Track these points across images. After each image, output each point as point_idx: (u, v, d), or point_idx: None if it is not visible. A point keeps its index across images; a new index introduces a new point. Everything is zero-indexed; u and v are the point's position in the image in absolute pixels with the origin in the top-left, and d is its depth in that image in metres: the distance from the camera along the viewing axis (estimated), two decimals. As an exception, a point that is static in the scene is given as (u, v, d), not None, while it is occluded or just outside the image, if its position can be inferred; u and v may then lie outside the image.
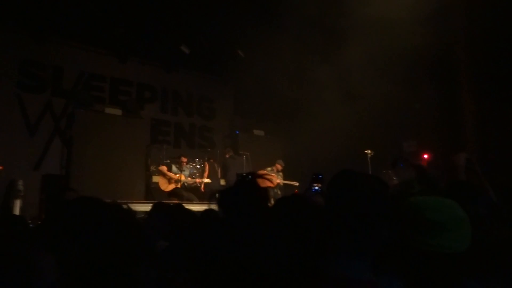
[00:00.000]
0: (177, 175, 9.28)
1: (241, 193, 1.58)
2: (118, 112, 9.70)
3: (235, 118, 12.58)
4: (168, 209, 3.23)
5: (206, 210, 4.18)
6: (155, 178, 9.70)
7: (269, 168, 10.58)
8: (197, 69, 11.70)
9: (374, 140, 8.86)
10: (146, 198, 9.18)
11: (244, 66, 10.15)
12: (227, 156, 10.14)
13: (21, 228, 2.00)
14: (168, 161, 10.13)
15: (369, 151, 8.14)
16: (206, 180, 9.64)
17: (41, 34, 9.24)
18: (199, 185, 9.64)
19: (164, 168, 9.42)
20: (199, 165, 10.22)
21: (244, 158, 10.69)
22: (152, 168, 10.04)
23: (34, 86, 9.54)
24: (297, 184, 10.35)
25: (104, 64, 10.46)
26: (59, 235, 1.16)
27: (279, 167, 10.50)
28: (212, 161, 10.18)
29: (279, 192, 10.24)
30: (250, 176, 1.68)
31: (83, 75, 10.23)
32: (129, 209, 1.33)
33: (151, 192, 9.60)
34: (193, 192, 9.58)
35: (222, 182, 10.28)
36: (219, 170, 10.23)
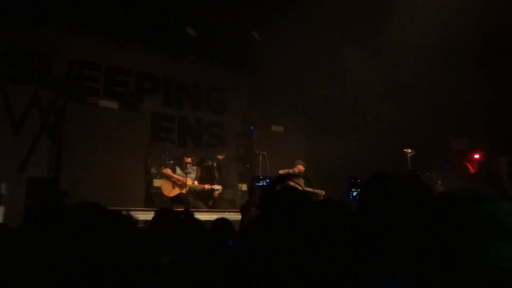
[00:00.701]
0: (183, 178, 9.33)
1: (285, 197, 1.61)
2: (114, 105, 9.74)
3: (249, 112, 12.66)
4: (174, 218, 3.28)
5: (217, 220, 4.22)
6: (157, 182, 9.78)
7: (290, 170, 10.54)
8: (206, 56, 11.73)
9: (416, 137, 8.76)
10: (147, 205, 9.23)
11: (260, 52, 10.17)
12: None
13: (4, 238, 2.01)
14: (172, 162, 10.19)
15: (409, 150, 8.08)
16: (217, 187, 9.66)
17: (27, 17, 9.30)
18: (208, 191, 9.70)
19: (167, 170, 9.49)
20: (206, 167, 10.33)
21: (260, 158, 10.79)
22: (153, 170, 10.10)
23: (19, 76, 9.63)
24: (322, 193, 10.29)
25: (98, 50, 10.51)
26: (59, 246, 1.18)
27: (300, 168, 10.51)
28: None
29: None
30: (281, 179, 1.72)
31: (74, 64, 10.29)
32: (132, 218, 1.36)
33: (152, 198, 9.66)
34: (202, 199, 9.62)
35: (244, 187, 10.41)
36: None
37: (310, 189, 10.21)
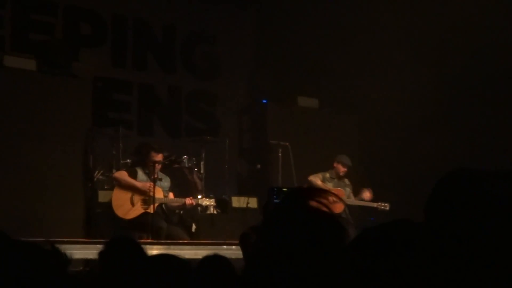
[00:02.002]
0: (148, 187, 9.37)
1: (291, 231, 1.80)
2: (29, 64, 9.88)
3: (259, 75, 12.70)
4: (135, 256, 3.45)
5: (208, 259, 4.22)
6: (105, 194, 9.90)
7: (327, 175, 10.73)
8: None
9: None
10: (88, 234, 9.36)
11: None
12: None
13: None
14: (129, 160, 10.24)
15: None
16: (207, 201, 9.80)
17: None
18: (190, 209, 9.84)
19: (122, 175, 9.54)
20: (189, 168, 10.43)
21: (280, 154, 10.89)
22: (98, 174, 10.18)
23: None
24: (386, 207, 10.49)
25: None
26: None
27: (341, 169, 10.72)
28: (178, 166, 10.43)
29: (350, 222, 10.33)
30: (297, 195, 1.91)
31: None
32: (62, 255, 1.46)
33: (97, 221, 9.77)
34: (180, 224, 9.75)
35: (242, 201, 10.49)
36: (197, 182, 10.46)
37: (366, 203, 10.67)
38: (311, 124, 11.92)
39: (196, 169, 10.66)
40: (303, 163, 10.87)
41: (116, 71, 11.80)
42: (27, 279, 1.41)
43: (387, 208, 10.59)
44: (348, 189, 10.79)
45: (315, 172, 10.68)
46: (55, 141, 9.60)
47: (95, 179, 10.13)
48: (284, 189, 3.89)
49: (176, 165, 10.47)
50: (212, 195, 10.14)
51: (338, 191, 10.30)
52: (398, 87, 11.13)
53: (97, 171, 10.22)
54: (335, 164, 10.67)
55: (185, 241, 9.13)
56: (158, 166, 9.48)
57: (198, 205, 9.82)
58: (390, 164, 11.65)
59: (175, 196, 9.70)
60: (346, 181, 10.81)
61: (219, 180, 11.26)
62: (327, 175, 10.66)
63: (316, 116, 12.14)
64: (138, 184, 9.36)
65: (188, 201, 9.47)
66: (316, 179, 10.48)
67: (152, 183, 9.28)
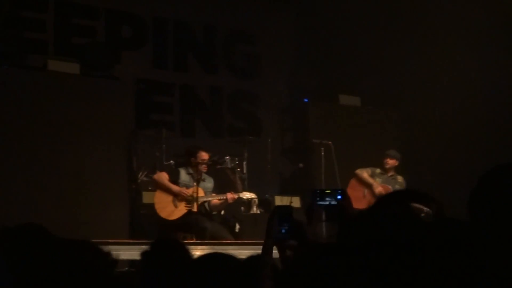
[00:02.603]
0: (191, 188, 9.41)
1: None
2: (72, 68, 9.93)
3: (300, 74, 12.72)
4: (178, 257, 3.44)
5: (253, 259, 4.18)
6: (148, 196, 9.94)
7: (377, 170, 10.65)
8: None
9: None
10: (132, 235, 9.40)
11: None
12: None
13: None
14: (172, 162, 10.27)
15: None
16: (248, 195, 9.84)
17: None
18: (232, 204, 9.86)
19: (164, 176, 9.56)
20: (232, 169, 10.49)
21: (322, 153, 10.88)
22: (141, 176, 10.21)
23: None
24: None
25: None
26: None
27: (392, 162, 10.54)
28: (220, 166, 10.49)
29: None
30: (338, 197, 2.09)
31: (5, 3, 10.50)
32: (108, 256, 1.54)
33: (141, 222, 9.84)
34: (224, 223, 9.77)
35: (285, 200, 10.40)
36: (238, 183, 10.49)
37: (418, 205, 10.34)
38: (353, 122, 11.81)
39: (238, 169, 10.70)
40: (346, 162, 10.79)
41: (157, 73, 11.86)
42: (74, 278, 1.44)
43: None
44: (398, 187, 10.41)
45: (360, 168, 10.61)
46: (99, 143, 9.64)
47: (138, 181, 10.19)
48: (327, 191, 3.81)
49: (218, 166, 10.52)
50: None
51: (384, 187, 10.17)
52: (444, 83, 11.08)
53: (140, 173, 10.27)
54: (386, 159, 10.49)
55: (230, 241, 9.14)
56: (202, 167, 9.47)
57: (240, 200, 9.84)
58: (436, 164, 11.53)
59: (217, 196, 9.70)
60: (399, 178, 10.53)
61: (261, 180, 11.29)
62: (377, 170, 10.51)
63: (358, 114, 12.03)
64: (175, 188, 9.35)
65: (230, 195, 9.48)
66: (363, 172, 10.37)
67: (188, 190, 9.32)
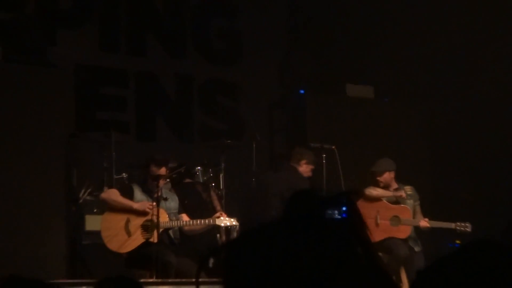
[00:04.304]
0: (147, 206, 9.18)
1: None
2: None
3: (295, 58, 12.55)
4: None
5: None
6: (93, 221, 9.88)
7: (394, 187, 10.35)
8: None
9: None
10: (71, 274, 9.41)
11: None
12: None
13: None
14: (125, 175, 10.23)
15: None
16: (228, 221, 9.45)
17: None
18: (207, 231, 9.72)
19: (112, 195, 9.35)
20: (204, 184, 10.32)
21: (324, 161, 10.58)
22: (84, 194, 10.11)
23: None
24: (468, 228, 10.11)
25: None
26: None
27: (385, 178, 10.33)
28: (190, 181, 10.39)
29: (416, 250, 10.17)
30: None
31: None
32: None
33: (82, 256, 9.80)
34: (192, 255, 9.39)
35: None
36: (216, 201, 10.30)
37: (434, 223, 10.48)
38: (364, 119, 11.93)
39: (213, 184, 10.56)
40: (354, 169, 10.79)
41: (105, 58, 11.63)
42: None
43: (469, 229, 10.23)
44: (412, 203, 10.41)
45: (369, 181, 10.45)
46: (27, 150, 9.67)
47: (80, 201, 10.10)
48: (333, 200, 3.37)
49: (187, 180, 10.41)
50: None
51: (403, 209, 10.12)
52: (475, 73, 11.14)
53: (83, 190, 10.16)
54: (377, 177, 10.30)
55: (200, 280, 8.64)
56: (162, 182, 9.31)
57: (215, 227, 9.67)
58: (468, 169, 11.67)
59: (188, 218, 9.53)
60: (408, 190, 10.42)
61: (244, 197, 11.09)
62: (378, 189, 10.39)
63: (371, 107, 12.14)
64: (134, 204, 9.18)
65: (206, 221, 9.29)
66: (371, 190, 10.12)
67: (154, 205, 9.09)
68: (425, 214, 10.42)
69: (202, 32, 12.36)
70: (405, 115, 12.17)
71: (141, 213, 9.19)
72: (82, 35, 11.44)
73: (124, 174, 10.16)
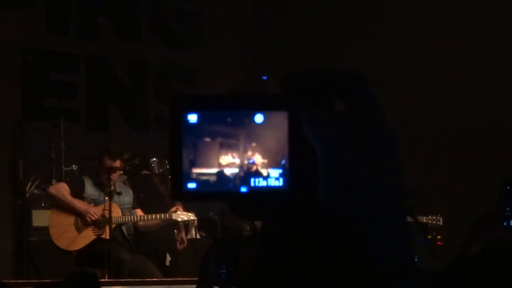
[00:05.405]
0: (100, 206, 9.26)
1: None
2: None
3: (258, 40, 12.64)
4: None
5: None
6: (39, 216, 9.90)
7: None
8: None
9: None
10: (17, 273, 9.48)
11: None
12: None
13: None
14: (75, 167, 10.24)
15: None
16: (186, 215, 9.53)
17: None
18: (162, 227, 9.70)
19: (62, 189, 9.33)
20: (161, 176, 10.31)
21: None
22: (31, 187, 10.09)
23: None
24: (439, 222, 10.40)
25: None
26: None
27: None
28: (146, 172, 10.46)
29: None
30: None
31: None
32: None
33: (28, 254, 9.69)
34: (148, 253, 9.56)
35: None
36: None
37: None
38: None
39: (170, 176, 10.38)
40: None
41: (53, 40, 11.56)
42: None
43: (440, 222, 10.54)
44: None
45: None
46: None
47: (27, 194, 10.02)
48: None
49: (144, 172, 10.45)
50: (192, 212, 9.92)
51: None
52: (449, 57, 11.23)
53: (29, 183, 10.10)
54: None
55: (157, 279, 8.96)
56: (115, 175, 9.38)
57: (171, 222, 9.64)
58: (439, 160, 11.88)
59: (144, 212, 9.57)
60: None
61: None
62: None
63: None
64: (78, 205, 9.19)
65: (159, 216, 9.33)
66: None
67: (97, 208, 9.21)
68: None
69: (159, 13, 12.38)
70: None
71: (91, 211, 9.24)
72: (28, 16, 11.34)
73: (74, 166, 10.17)
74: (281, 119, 1.09)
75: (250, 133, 1.11)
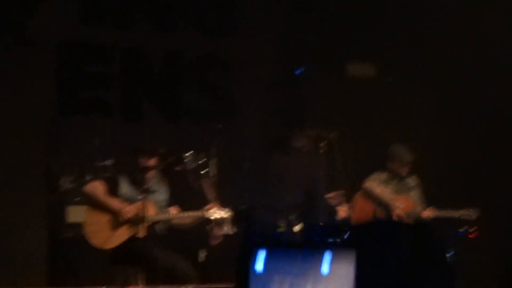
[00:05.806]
0: (135, 205, 9.26)
1: None
2: None
3: (294, 32, 12.47)
4: None
5: None
6: (76, 212, 9.99)
7: (382, 175, 10.72)
8: None
9: None
10: (52, 271, 9.69)
11: None
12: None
13: None
14: (109, 162, 10.27)
15: None
16: (220, 213, 9.63)
17: None
18: (197, 225, 9.73)
19: (94, 190, 9.41)
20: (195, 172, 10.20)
21: (321, 150, 10.47)
22: (67, 183, 10.21)
23: None
24: (472, 216, 10.58)
25: None
26: None
27: (398, 166, 10.65)
28: (180, 169, 10.25)
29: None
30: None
31: None
32: None
33: (65, 252, 9.92)
34: (184, 250, 9.56)
35: None
36: (208, 190, 10.26)
37: (439, 213, 10.74)
38: (367, 101, 12.04)
39: (204, 171, 10.44)
40: (356, 157, 10.90)
41: (88, 32, 11.47)
42: None
43: (474, 216, 10.68)
44: (416, 194, 10.77)
45: (371, 171, 10.70)
46: (2, 139, 9.80)
47: (61, 190, 10.19)
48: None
49: (178, 168, 10.30)
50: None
51: (403, 200, 10.48)
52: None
53: (63, 178, 10.24)
54: (394, 158, 10.68)
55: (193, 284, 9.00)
56: (150, 173, 9.42)
57: (208, 219, 9.58)
58: (480, 158, 11.87)
59: (176, 211, 9.56)
60: (410, 181, 10.78)
61: (237, 184, 10.83)
62: (383, 175, 10.70)
63: (374, 88, 12.24)
64: (113, 204, 9.22)
65: (195, 213, 9.41)
66: (373, 186, 10.52)
67: (131, 207, 9.20)
68: (433, 203, 10.69)
69: (194, 4, 12.23)
70: (411, 97, 12.21)
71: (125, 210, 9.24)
72: (62, 8, 11.25)
73: (106, 161, 10.21)
74: (346, 271, 1.27)
75: (316, 284, 1.30)
